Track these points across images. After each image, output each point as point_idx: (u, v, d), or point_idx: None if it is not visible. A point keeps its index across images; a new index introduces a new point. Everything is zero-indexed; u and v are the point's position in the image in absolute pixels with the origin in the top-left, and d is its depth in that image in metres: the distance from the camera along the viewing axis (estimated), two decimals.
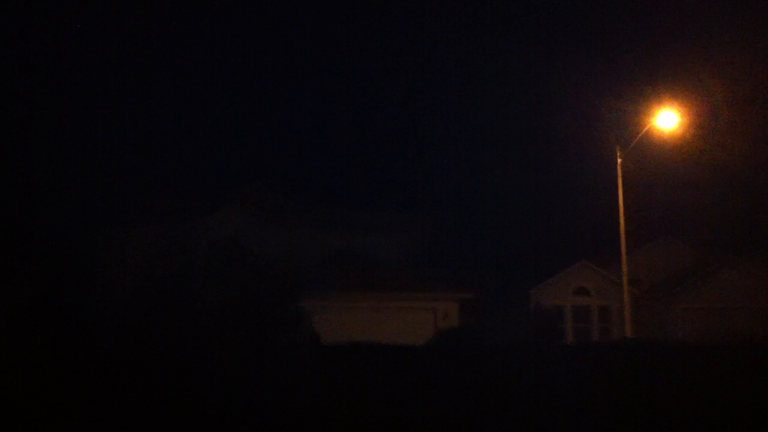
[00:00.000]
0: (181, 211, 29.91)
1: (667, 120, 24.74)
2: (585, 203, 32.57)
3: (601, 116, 27.76)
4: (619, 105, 26.48)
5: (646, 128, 24.96)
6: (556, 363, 16.44)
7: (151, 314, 17.31)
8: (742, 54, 31.95)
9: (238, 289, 20.91)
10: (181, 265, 26.42)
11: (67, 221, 25.62)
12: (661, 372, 15.76)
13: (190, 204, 30.68)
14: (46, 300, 20.48)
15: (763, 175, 31.76)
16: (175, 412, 14.53)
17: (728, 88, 29.70)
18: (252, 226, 30.29)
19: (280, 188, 33.51)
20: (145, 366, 15.25)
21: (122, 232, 28.91)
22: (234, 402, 14.74)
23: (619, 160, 25.68)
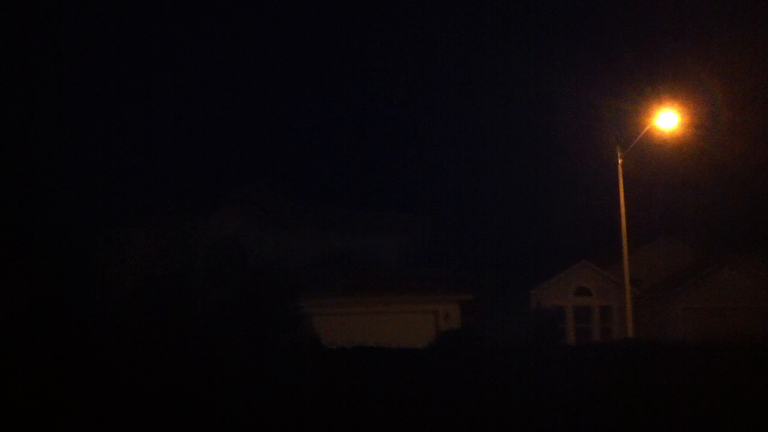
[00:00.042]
0: (181, 211, 29.89)
1: (667, 120, 24.74)
2: (585, 203, 32.56)
3: (601, 116, 27.77)
4: (620, 105, 26.50)
5: (646, 128, 24.96)
6: (557, 363, 16.44)
7: (151, 314, 17.30)
8: (742, 54, 31.95)
9: (238, 290, 20.89)
10: (180, 266, 26.38)
11: (67, 221, 25.60)
12: (661, 372, 15.76)
13: (190, 204, 30.65)
14: (46, 300, 20.47)
15: (763, 175, 31.76)
16: (174, 412, 14.53)
17: (728, 87, 29.71)
18: (252, 227, 30.27)
19: (280, 188, 33.47)
20: (144, 366, 15.24)
21: (122, 232, 28.89)
22: (234, 402, 14.74)
23: (619, 161, 25.68)
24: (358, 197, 38.17)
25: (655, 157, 28.73)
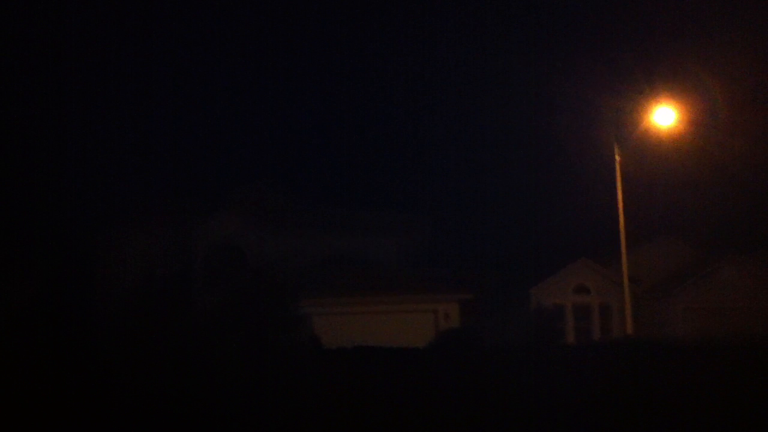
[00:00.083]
0: (180, 211, 29.91)
1: (664, 117, 24.67)
2: (584, 202, 32.53)
3: (599, 114, 27.74)
4: (617, 103, 26.45)
5: (643, 125, 24.91)
6: (557, 363, 16.44)
7: (151, 315, 17.29)
8: (739, 51, 31.95)
9: (238, 290, 20.88)
10: (180, 266, 26.39)
11: (67, 221, 25.63)
12: (661, 372, 15.75)
13: (190, 205, 30.67)
14: (46, 300, 20.48)
15: (762, 173, 31.77)
16: (174, 412, 14.53)
17: (726, 84, 29.70)
18: (252, 227, 30.27)
19: (280, 188, 33.48)
20: (144, 366, 15.25)
21: (122, 232, 28.93)
22: (233, 403, 14.74)
23: (617, 158, 25.64)
24: (358, 197, 38.16)
25: (653, 155, 28.70)
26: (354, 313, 26.66)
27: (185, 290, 20.26)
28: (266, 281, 21.00)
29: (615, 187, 25.71)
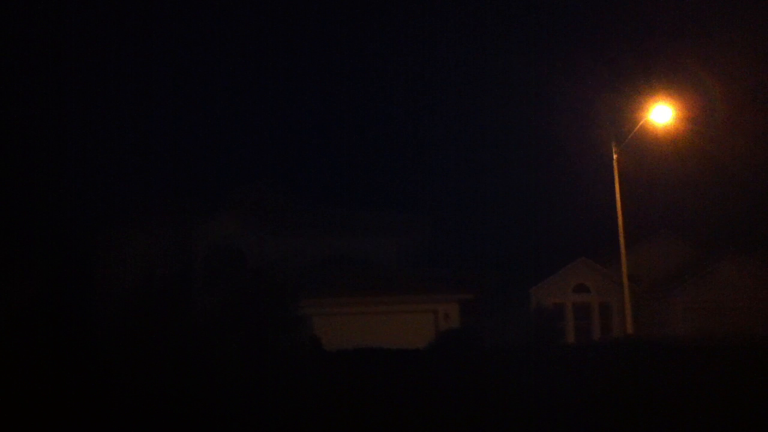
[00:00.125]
0: (180, 212, 29.91)
1: (661, 114, 24.64)
2: (583, 201, 32.58)
3: (597, 113, 27.74)
4: (615, 101, 26.45)
5: (640, 123, 24.91)
6: (557, 363, 16.44)
7: (151, 315, 17.30)
8: (736, 48, 31.98)
9: (238, 291, 20.86)
10: (180, 266, 26.38)
11: (67, 222, 25.63)
12: (661, 372, 15.75)
13: (190, 205, 30.67)
14: (46, 300, 20.48)
15: (761, 172, 31.79)
16: (174, 412, 14.53)
17: (723, 82, 29.71)
18: (252, 227, 30.27)
19: (280, 189, 33.49)
20: (144, 367, 15.25)
21: (122, 232, 28.94)
22: (233, 404, 14.74)
23: (615, 156, 25.63)
24: (358, 197, 38.20)
25: (651, 153, 28.72)
26: (354, 313, 26.65)
27: (185, 290, 20.24)
28: (266, 281, 20.97)
29: (613, 185, 25.70)
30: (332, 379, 15.57)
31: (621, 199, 25.49)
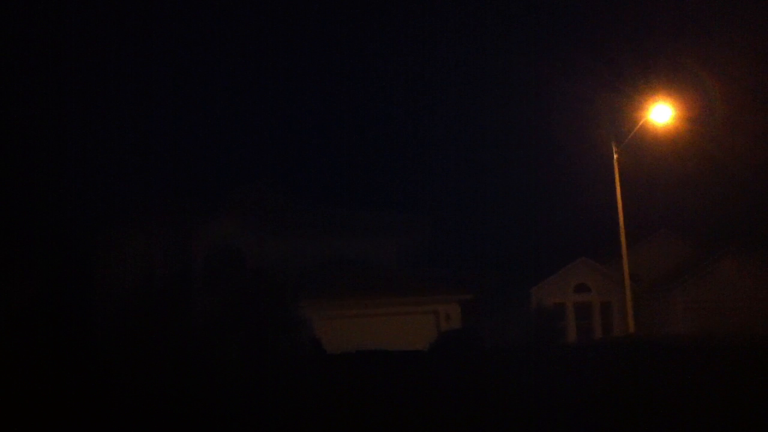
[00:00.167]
0: (180, 212, 29.87)
1: (661, 114, 24.65)
2: (583, 201, 32.60)
3: (597, 113, 27.77)
4: (615, 101, 26.47)
5: (640, 123, 24.92)
6: (557, 363, 16.45)
7: (150, 315, 17.31)
8: (735, 47, 31.98)
9: (237, 291, 20.88)
10: (180, 267, 26.37)
11: (67, 222, 25.61)
12: (662, 372, 15.75)
13: (190, 205, 30.63)
14: (45, 300, 20.49)
15: (760, 170, 31.80)
16: (173, 413, 14.53)
17: (722, 81, 29.70)
18: (252, 228, 30.23)
19: (280, 189, 33.46)
20: (144, 367, 15.25)
21: (122, 232, 28.90)
22: (233, 404, 14.74)
23: (615, 156, 25.64)
24: (358, 197, 38.22)
25: (651, 152, 28.74)
26: (355, 315, 26.58)
27: (185, 291, 20.27)
28: (266, 282, 20.99)
29: (613, 185, 25.71)
30: (334, 381, 15.57)
31: (621, 198, 25.50)
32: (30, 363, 15.21)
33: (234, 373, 15.36)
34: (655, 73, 28.63)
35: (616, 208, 25.62)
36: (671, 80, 27.37)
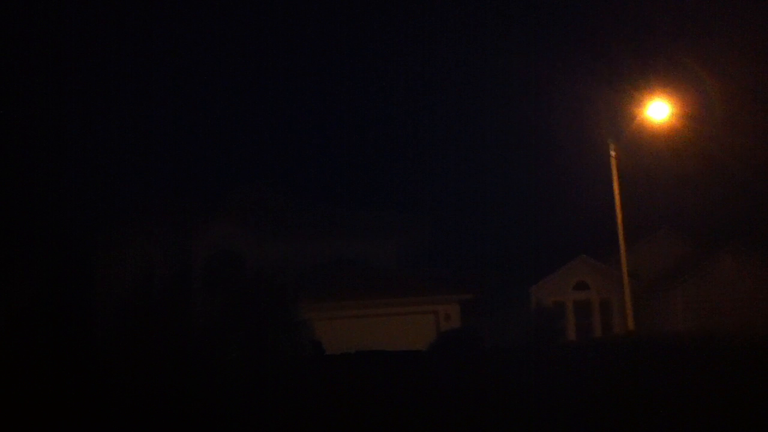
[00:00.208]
0: (180, 212, 29.88)
1: (658, 111, 24.61)
2: (582, 199, 32.59)
3: (594, 110, 27.72)
4: (612, 98, 26.43)
5: (637, 120, 24.87)
6: (557, 363, 16.45)
7: (150, 316, 17.32)
8: (732, 44, 31.98)
9: (237, 292, 20.88)
10: (180, 267, 26.38)
11: (67, 222, 25.63)
12: (662, 371, 15.75)
13: (190, 206, 30.64)
14: (45, 301, 20.51)
15: (759, 168, 31.78)
16: (173, 414, 14.54)
17: (720, 78, 29.69)
18: (251, 228, 30.24)
19: (280, 189, 33.47)
20: (144, 367, 15.26)
21: (122, 232, 28.91)
22: (233, 405, 14.75)
23: (612, 153, 25.60)
24: (358, 197, 38.24)
25: (649, 150, 28.70)
26: (355, 316, 26.58)
27: (185, 291, 20.28)
28: (266, 283, 20.99)
29: (612, 184, 25.68)
30: (334, 381, 15.57)
31: (620, 196, 25.47)
32: (30, 363, 15.22)
33: (234, 374, 15.36)
34: (653, 70, 28.61)
35: (615, 206, 25.58)
36: (669, 78, 27.36)
